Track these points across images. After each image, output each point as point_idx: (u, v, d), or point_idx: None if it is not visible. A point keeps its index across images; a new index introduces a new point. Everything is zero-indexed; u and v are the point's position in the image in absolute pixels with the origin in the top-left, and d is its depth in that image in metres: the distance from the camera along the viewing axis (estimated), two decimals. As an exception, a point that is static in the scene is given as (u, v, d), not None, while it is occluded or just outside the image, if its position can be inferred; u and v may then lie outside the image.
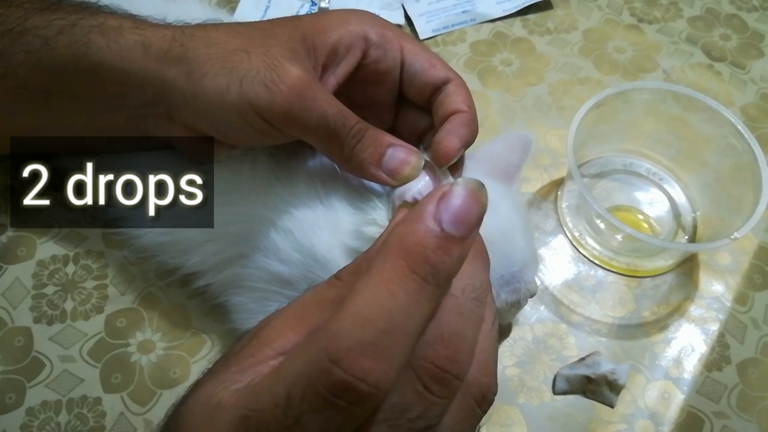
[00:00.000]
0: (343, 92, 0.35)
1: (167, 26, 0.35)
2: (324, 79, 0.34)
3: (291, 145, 0.37)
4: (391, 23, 0.37)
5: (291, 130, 0.32)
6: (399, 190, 0.32)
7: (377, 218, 0.32)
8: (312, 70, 0.33)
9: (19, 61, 0.34)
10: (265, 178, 0.36)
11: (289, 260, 0.34)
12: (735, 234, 0.38)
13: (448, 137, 0.33)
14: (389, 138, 0.33)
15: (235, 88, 0.31)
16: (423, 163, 0.33)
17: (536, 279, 0.38)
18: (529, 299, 0.37)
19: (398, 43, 0.36)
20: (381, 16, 0.57)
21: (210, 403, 0.22)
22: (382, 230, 0.31)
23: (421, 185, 0.32)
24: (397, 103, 0.38)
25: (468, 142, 0.34)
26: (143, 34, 0.33)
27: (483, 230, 0.32)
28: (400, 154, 0.32)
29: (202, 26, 0.35)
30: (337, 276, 0.26)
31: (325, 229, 0.34)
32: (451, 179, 0.32)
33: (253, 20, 0.56)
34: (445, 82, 0.35)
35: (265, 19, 0.55)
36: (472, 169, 0.36)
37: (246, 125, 0.32)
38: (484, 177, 0.36)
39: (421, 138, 0.38)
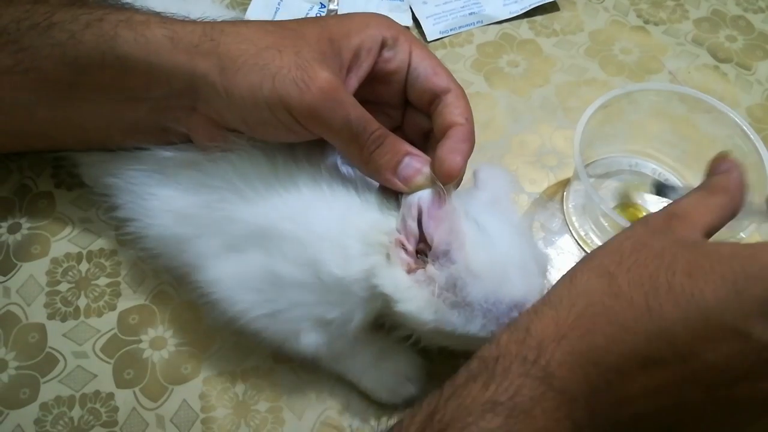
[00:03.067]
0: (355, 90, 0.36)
1: (195, 22, 0.36)
2: (347, 80, 0.36)
3: (300, 150, 0.37)
4: (407, 29, 0.38)
5: (316, 129, 0.34)
6: (408, 198, 0.33)
7: (389, 225, 0.33)
8: (339, 72, 0.34)
9: (45, 55, 0.35)
10: (266, 179, 0.36)
11: (291, 260, 0.35)
12: (741, 234, 0.38)
13: (451, 156, 0.34)
14: (407, 147, 0.34)
15: (268, 85, 0.33)
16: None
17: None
18: None
19: (408, 46, 0.37)
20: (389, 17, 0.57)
21: None
22: (387, 237, 0.33)
23: (424, 194, 0.33)
24: (405, 103, 0.39)
25: (468, 157, 0.35)
26: (171, 28, 0.34)
27: (472, 261, 0.32)
28: (415, 163, 0.34)
29: (232, 22, 0.36)
30: None
31: (329, 230, 0.34)
32: (453, 190, 0.34)
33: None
34: (445, 92, 0.36)
35: (275, 20, 0.56)
36: (475, 205, 0.36)
37: (275, 120, 0.34)
38: (486, 209, 0.36)
39: (426, 137, 0.39)
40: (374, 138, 0.34)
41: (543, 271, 0.36)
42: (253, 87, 0.33)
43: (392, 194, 0.35)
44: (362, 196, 0.36)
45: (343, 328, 0.35)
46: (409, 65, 0.37)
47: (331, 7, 0.57)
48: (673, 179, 0.48)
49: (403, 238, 0.33)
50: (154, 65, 0.34)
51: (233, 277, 0.36)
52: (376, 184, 0.37)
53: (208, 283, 0.36)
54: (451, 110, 0.36)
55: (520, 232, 0.37)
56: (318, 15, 0.56)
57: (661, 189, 0.44)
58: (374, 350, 0.38)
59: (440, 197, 0.33)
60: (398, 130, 0.40)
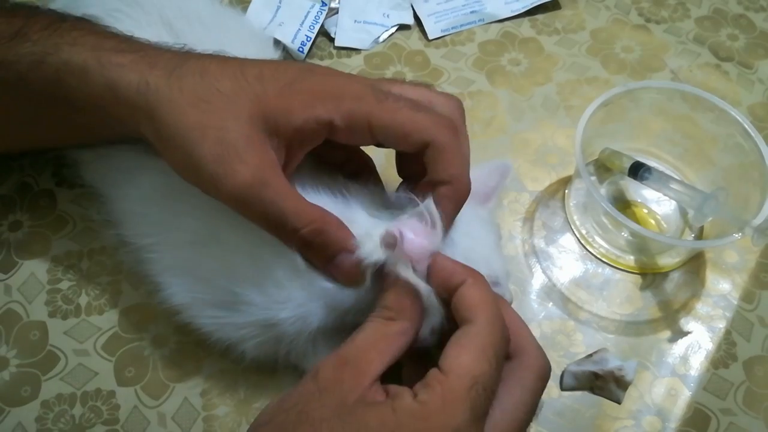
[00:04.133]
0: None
1: (132, 66, 0.34)
2: (288, 157, 0.34)
3: None
4: (365, 93, 0.34)
5: (241, 215, 0.33)
6: (391, 225, 0.32)
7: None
8: (270, 153, 0.33)
9: (1, 92, 0.36)
10: None
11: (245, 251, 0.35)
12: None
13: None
14: (342, 241, 0.33)
15: (191, 170, 0.33)
16: (371, 270, 0.32)
17: (509, 289, 0.38)
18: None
19: (366, 123, 0.33)
20: (390, 15, 0.57)
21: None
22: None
23: (402, 231, 0.31)
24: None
25: (456, 214, 0.35)
26: (108, 77, 0.34)
27: (452, 249, 0.33)
28: (346, 263, 0.33)
29: (166, 77, 0.33)
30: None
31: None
32: (438, 222, 0.32)
33: (263, 22, 0.57)
34: (425, 146, 0.34)
35: (276, 19, 0.55)
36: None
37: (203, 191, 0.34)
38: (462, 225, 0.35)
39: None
40: (301, 236, 0.32)
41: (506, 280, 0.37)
42: (179, 166, 0.34)
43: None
44: (349, 203, 0.35)
45: (298, 333, 0.34)
46: (375, 137, 0.34)
47: (333, 5, 0.57)
48: (675, 177, 0.48)
49: None
50: (101, 110, 0.35)
51: (181, 265, 0.36)
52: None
53: (158, 273, 0.37)
54: (436, 167, 0.34)
55: (483, 215, 0.36)
56: (319, 14, 0.56)
57: (637, 171, 0.44)
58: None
59: (415, 233, 0.32)
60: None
